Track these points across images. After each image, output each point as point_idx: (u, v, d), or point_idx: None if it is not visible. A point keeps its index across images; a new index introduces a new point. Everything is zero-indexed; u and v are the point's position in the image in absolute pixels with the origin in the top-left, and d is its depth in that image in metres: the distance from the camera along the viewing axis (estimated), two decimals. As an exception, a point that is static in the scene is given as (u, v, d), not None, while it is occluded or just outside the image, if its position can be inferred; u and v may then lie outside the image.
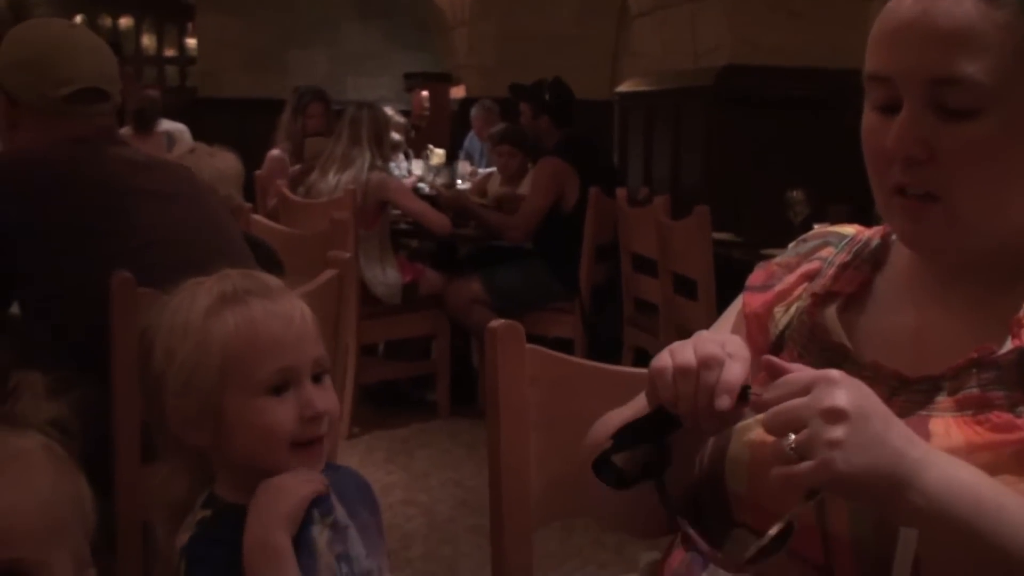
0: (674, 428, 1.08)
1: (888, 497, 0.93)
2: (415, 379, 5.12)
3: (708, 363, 1.03)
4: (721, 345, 1.06)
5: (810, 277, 1.22)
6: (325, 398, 1.27)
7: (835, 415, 0.92)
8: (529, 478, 1.45)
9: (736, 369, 1.03)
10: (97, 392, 1.93)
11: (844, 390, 0.94)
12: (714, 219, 3.95)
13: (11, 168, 2.17)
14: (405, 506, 3.83)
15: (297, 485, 1.24)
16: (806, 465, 0.91)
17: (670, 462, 1.11)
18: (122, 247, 2.06)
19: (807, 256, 1.25)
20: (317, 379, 1.28)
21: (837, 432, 0.91)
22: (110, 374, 1.96)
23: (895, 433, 0.95)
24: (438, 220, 4.81)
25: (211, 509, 1.27)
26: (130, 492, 1.94)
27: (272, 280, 1.31)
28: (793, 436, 0.93)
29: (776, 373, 1.00)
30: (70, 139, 2.18)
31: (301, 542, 1.26)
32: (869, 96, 1.09)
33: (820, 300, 1.18)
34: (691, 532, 1.09)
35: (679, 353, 1.05)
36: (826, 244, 1.25)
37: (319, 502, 1.30)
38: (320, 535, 1.28)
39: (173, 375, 1.23)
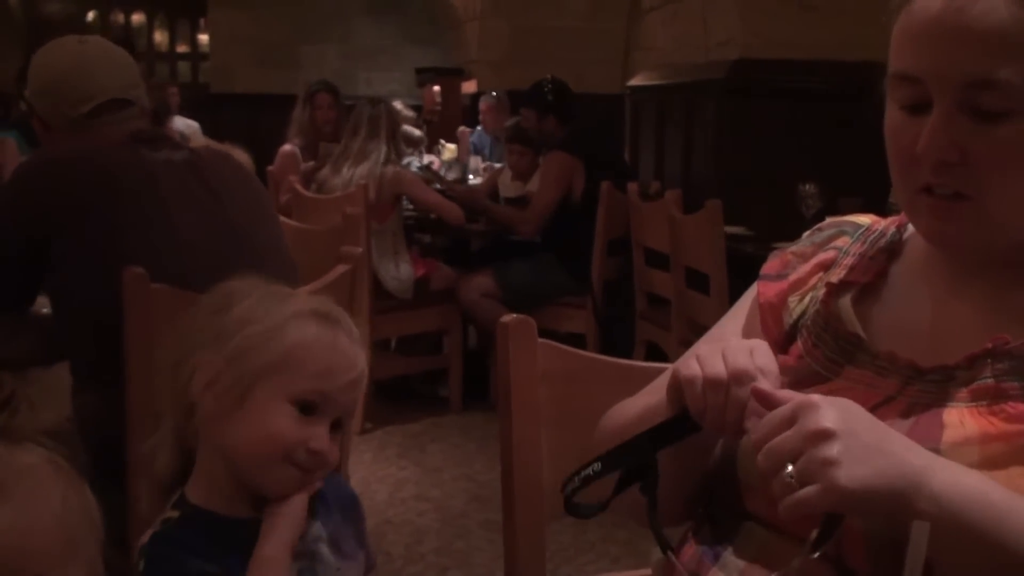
0: (692, 433, 1.08)
1: (897, 507, 0.92)
2: (427, 374, 5.13)
3: (739, 378, 1.04)
4: (750, 353, 1.06)
5: (825, 267, 1.21)
6: (332, 446, 1.30)
7: (823, 436, 0.92)
8: (541, 472, 1.45)
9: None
10: (108, 391, 1.94)
11: (827, 410, 0.94)
12: (726, 213, 3.94)
13: (47, 166, 2.21)
14: (418, 501, 3.84)
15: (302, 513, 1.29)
16: (811, 489, 0.91)
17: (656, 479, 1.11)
18: (150, 247, 2.08)
19: (822, 245, 1.24)
20: (336, 427, 1.31)
21: (831, 451, 0.91)
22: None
23: (893, 442, 0.95)
24: (453, 211, 4.85)
25: (179, 511, 1.29)
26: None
27: (356, 330, 1.35)
28: (791, 467, 0.93)
29: (769, 405, 1.00)
30: (104, 145, 2.23)
31: None
32: (894, 94, 1.08)
33: (835, 290, 1.17)
34: (676, 562, 1.11)
35: (709, 364, 1.06)
36: (841, 233, 1.24)
37: None
38: None
39: (237, 339, 1.27)
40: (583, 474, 1.11)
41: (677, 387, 1.08)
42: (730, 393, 1.04)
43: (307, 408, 1.27)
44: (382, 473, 4.10)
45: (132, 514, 1.93)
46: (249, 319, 1.28)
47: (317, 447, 1.27)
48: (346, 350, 1.31)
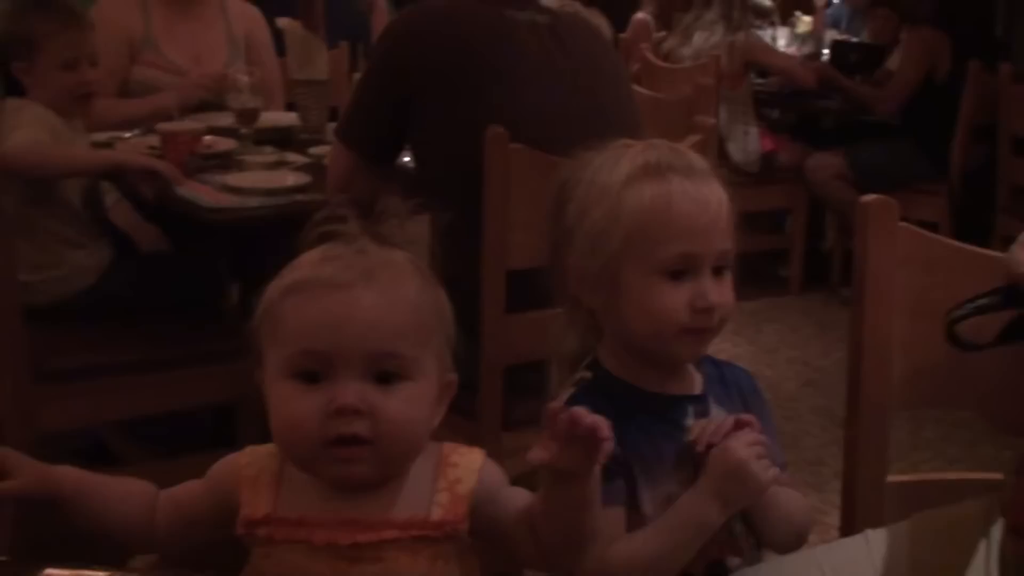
0: None
1: None
2: (767, 253, 5.05)
3: None
4: None
5: None
6: (721, 292, 1.24)
7: None
8: (891, 362, 1.40)
9: None
10: (464, 246, 2.02)
11: None
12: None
13: (412, 25, 2.27)
14: (750, 379, 3.83)
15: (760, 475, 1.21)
16: None
17: None
18: (506, 109, 2.12)
19: None
20: (718, 272, 1.25)
21: None
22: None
23: None
24: (805, 75, 4.83)
25: (592, 372, 1.27)
26: (495, 340, 2.01)
27: (698, 161, 1.27)
28: None
29: None
30: (471, 3, 2.25)
31: (666, 440, 1.24)
32: None
33: None
34: None
35: None
36: None
37: (695, 399, 1.30)
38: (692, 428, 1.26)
39: (582, 234, 1.23)
40: (977, 303, 1.03)
41: None
42: None
43: (677, 272, 1.21)
44: (716, 348, 4.07)
45: (482, 365, 2.03)
46: (585, 208, 1.24)
47: (703, 304, 1.21)
48: (689, 194, 1.22)
